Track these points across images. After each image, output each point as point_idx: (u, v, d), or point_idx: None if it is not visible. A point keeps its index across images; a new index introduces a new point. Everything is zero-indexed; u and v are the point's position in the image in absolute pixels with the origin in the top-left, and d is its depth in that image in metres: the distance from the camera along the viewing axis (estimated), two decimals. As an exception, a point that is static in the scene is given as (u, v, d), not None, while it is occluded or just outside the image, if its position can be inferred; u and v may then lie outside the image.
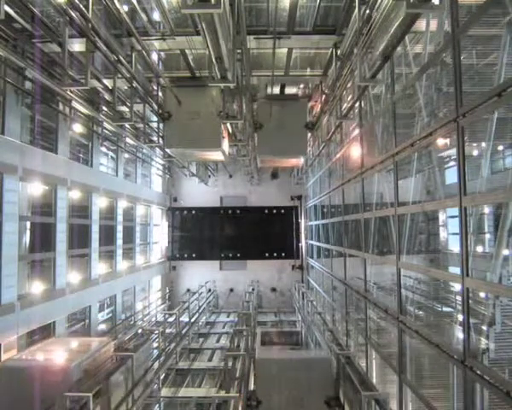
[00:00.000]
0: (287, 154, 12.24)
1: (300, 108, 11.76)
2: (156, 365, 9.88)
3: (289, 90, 12.18)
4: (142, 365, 8.97)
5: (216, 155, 11.69)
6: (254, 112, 11.36)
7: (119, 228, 15.54)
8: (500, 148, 11.43)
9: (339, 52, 8.62)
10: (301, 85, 12.28)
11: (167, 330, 13.29)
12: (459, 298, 7.74)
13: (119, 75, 8.37)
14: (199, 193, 21.98)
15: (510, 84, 3.87)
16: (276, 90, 11.66)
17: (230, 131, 11.93)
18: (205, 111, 10.05)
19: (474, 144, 7.97)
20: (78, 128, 12.38)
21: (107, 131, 13.60)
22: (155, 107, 10.38)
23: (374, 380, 8.47)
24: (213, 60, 6.15)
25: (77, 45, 8.08)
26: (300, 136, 11.68)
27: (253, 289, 18.74)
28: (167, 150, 10.94)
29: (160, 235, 21.56)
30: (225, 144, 11.23)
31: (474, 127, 5.50)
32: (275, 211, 21.91)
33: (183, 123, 10.10)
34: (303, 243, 21.49)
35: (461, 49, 4.75)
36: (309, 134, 12.85)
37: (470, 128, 4.93)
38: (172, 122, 10.18)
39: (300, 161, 13.76)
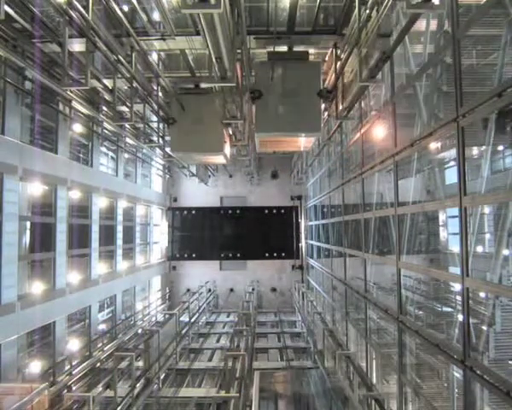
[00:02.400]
0: (294, 130, 9.06)
1: (312, 70, 8.91)
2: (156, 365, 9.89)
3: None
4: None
5: (218, 159, 11.87)
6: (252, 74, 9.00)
7: (119, 228, 15.56)
8: (500, 148, 11.42)
9: (339, 52, 8.61)
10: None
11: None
12: (459, 298, 7.74)
13: (119, 75, 8.37)
14: (199, 193, 22.00)
15: (510, 84, 3.87)
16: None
17: (230, 132, 11.96)
18: (207, 117, 10.18)
19: (474, 145, 7.96)
20: (78, 128, 12.39)
21: (107, 131, 13.61)
22: (155, 107, 10.40)
23: (374, 380, 8.48)
24: (213, 60, 6.15)
25: (77, 45, 8.06)
26: (312, 106, 8.86)
27: (252, 289, 18.76)
28: (172, 153, 11.18)
29: (160, 235, 21.57)
30: (227, 148, 11.33)
31: (475, 127, 5.50)
32: (275, 211, 21.93)
33: (186, 128, 10.26)
34: (303, 243, 21.48)
35: (461, 49, 4.76)
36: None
37: (470, 128, 4.92)
38: (177, 127, 10.34)
39: (311, 141, 10.64)
